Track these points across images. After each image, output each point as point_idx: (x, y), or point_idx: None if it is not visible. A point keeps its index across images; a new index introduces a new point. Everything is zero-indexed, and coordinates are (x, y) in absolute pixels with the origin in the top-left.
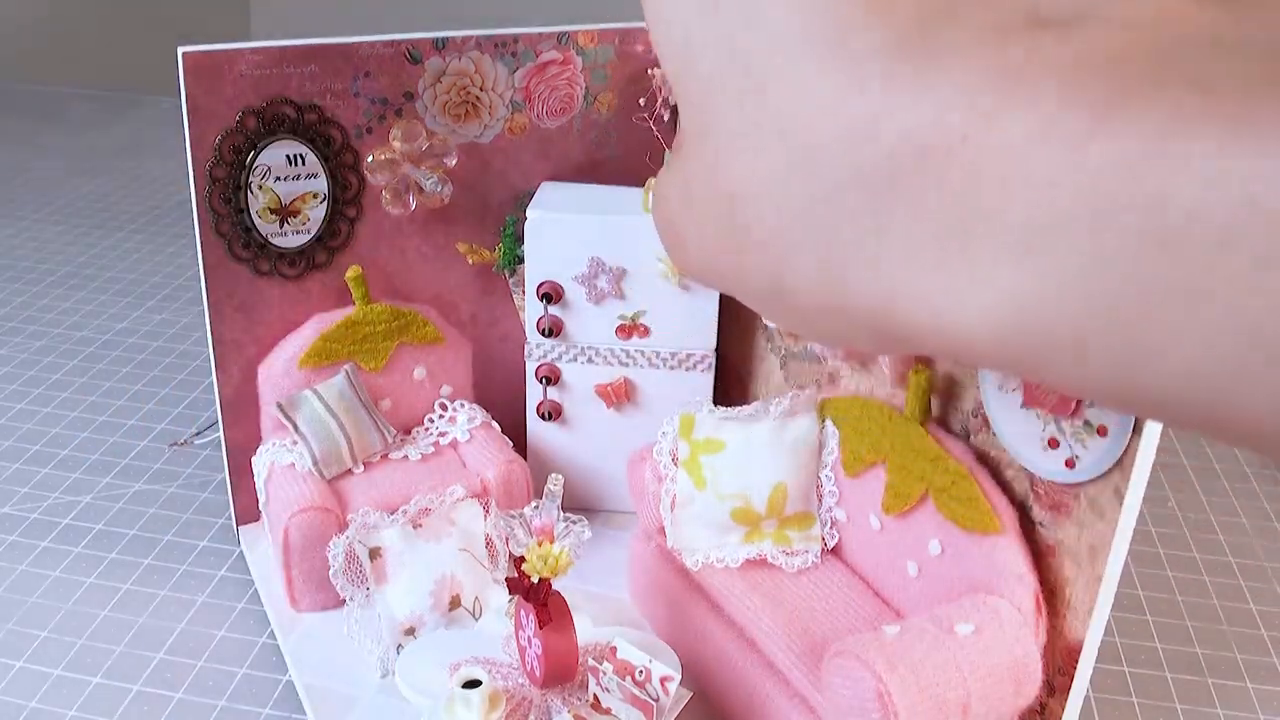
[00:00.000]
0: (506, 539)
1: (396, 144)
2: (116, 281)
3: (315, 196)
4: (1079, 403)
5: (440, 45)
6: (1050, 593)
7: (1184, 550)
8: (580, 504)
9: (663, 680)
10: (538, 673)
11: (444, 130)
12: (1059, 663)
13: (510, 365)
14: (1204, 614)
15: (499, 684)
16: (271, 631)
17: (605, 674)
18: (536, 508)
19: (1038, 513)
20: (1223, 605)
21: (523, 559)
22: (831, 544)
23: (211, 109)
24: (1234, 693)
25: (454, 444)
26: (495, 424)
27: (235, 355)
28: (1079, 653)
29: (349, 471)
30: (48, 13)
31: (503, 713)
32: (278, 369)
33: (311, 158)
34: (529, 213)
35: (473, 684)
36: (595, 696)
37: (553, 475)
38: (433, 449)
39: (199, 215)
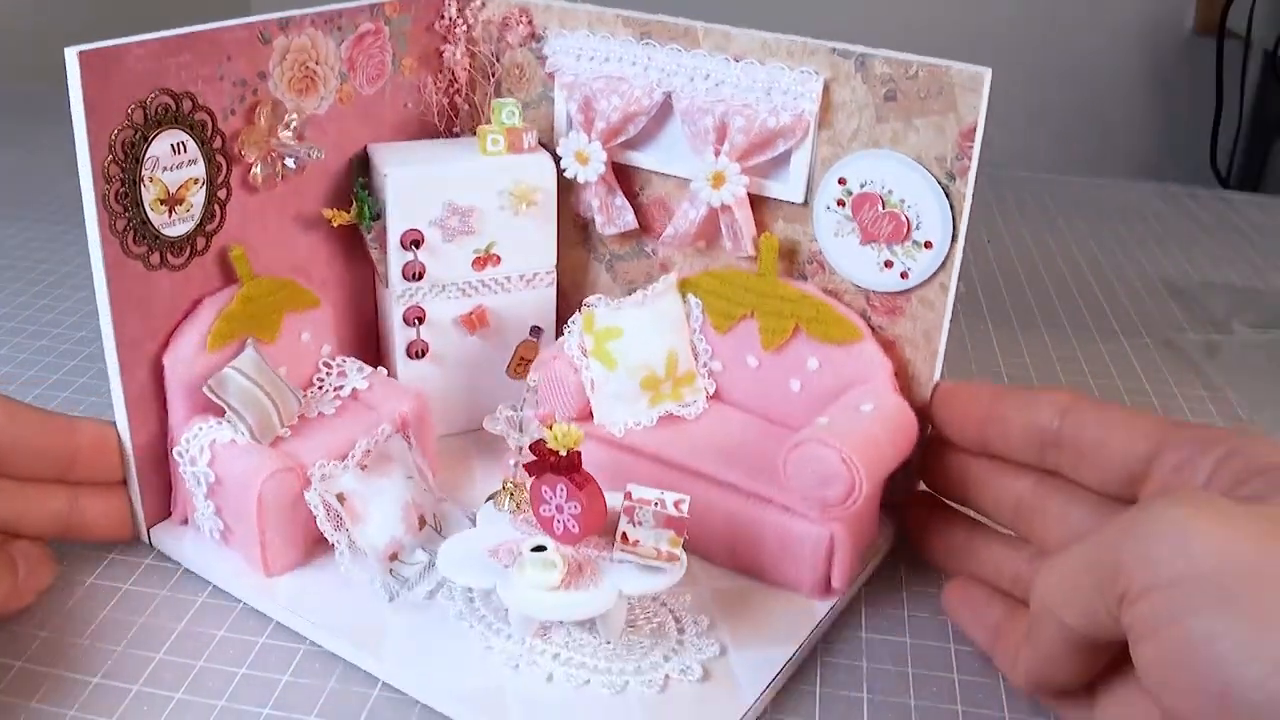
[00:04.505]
0: (511, 437)
1: (262, 121)
2: None
3: (196, 182)
4: (909, 227)
5: (284, 25)
6: (895, 372)
7: None
8: (456, 429)
9: (676, 504)
10: (576, 529)
11: (291, 105)
12: None
13: (369, 317)
14: None
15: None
16: (272, 631)
17: (640, 507)
18: (518, 407)
19: (875, 319)
20: None
21: (541, 442)
22: (711, 391)
23: (106, 106)
24: None
25: (355, 394)
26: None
27: (139, 355)
28: (923, 409)
29: (278, 437)
30: (48, 14)
31: (565, 568)
32: (186, 356)
33: (192, 144)
34: (388, 170)
35: (538, 549)
36: (623, 533)
37: (531, 375)
38: (340, 402)
39: (97, 216)
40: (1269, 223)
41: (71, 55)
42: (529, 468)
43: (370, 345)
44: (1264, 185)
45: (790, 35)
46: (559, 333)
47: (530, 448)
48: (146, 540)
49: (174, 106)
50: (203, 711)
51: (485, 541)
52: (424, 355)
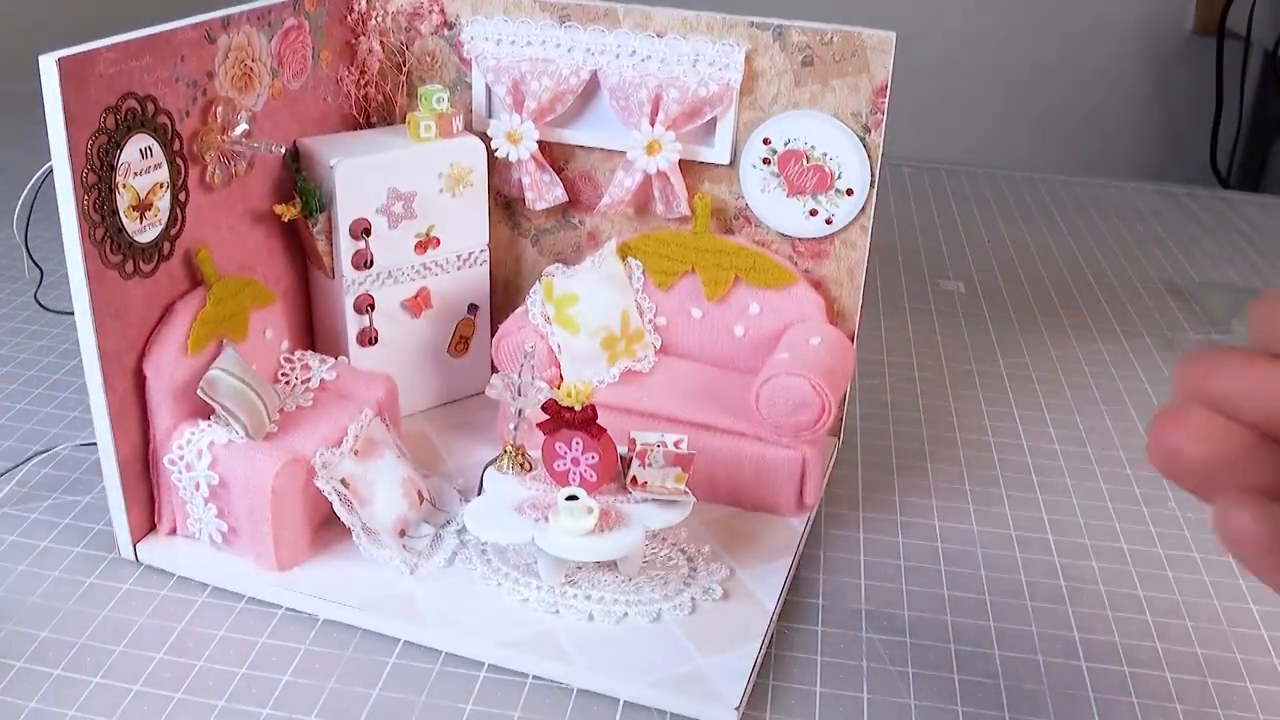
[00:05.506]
0: (511, 401)
1: (219, 121)
2: None
3: (162, 186)
4: (832, 178)
5: (225, 24)
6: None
7: (1184, 550)
8: (410, 410)
9: (676, 444)
10: (594, 478)
11: (236, 103)
12: None
13: (305, 308)
14: (1204, 614)
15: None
16: (272, 631)
17: (652, 449)
18: (519, 375)
19: (802, 263)
20: (1222, 605)
21: (553, 402)
22: (659, 345)
23: (82, 114)
24: (1234, 692)
25: (323, 384)
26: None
27: (119, 366)
28: (851, 336)
29: (269, 433)
30: (48, 15)
31: (597, 514)
32: (167, 363)
33: (157, 148)
34: (335, 161)
35: (571, 499)
36: (633, 477)
37: (527, 340)
38: (313, 394)
39: (78, 227)
40: (1269, 223)
41: (49, 62)
42: (543, 426)
43: (308, 336)
44: (1264, 185)
45: (708, 12)
46: (493, 309)
47: (543, 408)
48: (134, 559)
49: (140, 110)
50: (203, 711)
51: (505, 501)
52: (375, 342)
